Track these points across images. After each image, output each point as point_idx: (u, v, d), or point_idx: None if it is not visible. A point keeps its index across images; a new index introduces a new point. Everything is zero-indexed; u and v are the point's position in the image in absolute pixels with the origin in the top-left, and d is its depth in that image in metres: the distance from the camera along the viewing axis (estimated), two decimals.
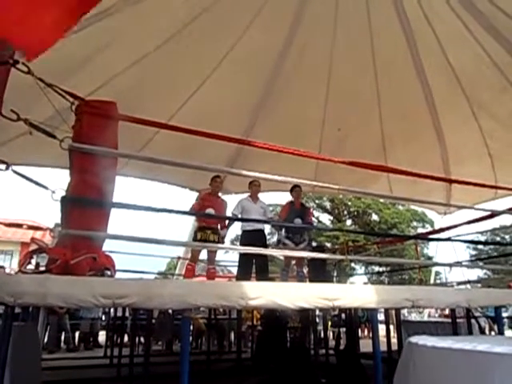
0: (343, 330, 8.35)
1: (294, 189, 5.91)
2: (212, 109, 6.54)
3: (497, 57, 5.52)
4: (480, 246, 24.89)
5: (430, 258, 21.61)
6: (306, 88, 6.73)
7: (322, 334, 7.93)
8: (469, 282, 8.05)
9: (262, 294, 2.61)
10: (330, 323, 10.41)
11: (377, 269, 22.76)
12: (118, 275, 3.94)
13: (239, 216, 5.63)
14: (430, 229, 22.30)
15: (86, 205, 2.80)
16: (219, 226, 5.43)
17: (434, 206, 9.68)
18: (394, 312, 6.12)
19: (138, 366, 5.07)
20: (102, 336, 9.75)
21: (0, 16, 1.97)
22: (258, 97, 6.95)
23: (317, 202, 26.47)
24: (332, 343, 8.20)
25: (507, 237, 25.59)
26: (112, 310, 8.08)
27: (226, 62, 6.04)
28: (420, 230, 24.76)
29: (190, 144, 4.96)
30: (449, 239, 6.39)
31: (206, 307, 2.82)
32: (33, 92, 2.83)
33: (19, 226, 4.36)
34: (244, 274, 5.38)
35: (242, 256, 5.51)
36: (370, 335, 4.16)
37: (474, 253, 25.34)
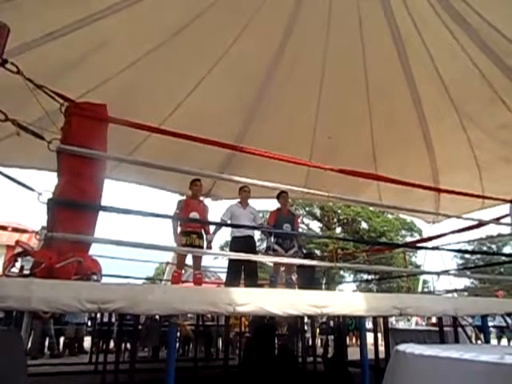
0: (331, 337, 8.34)
1: (281, 195, 5.91)
2: (204, 114, 6.54)
3: (485, 69, 5.62)
4: (467, 256, 25.20)
5: (418, 267, 21.77)
6: (298, 96, 6.77)
7: (310, 342, 7.91)
8: (456, 290, 8.11)
9: (251, 300, 2.59)
10: (318, 331, 10.40)
11: (365, 276, 22.86)
12: (105, 280, 3.89)
13: (228, 222, 5.61)
14: (418, 237, 22.49)
15: (73, 208, 2.76)
16: (203, 231, 5.40)
17: (423, 215, 9.77)
18: (381, 320, 6.13)
19: (123, 373, 4.99)
20: (87, 342, 9.60)
21: None
22: (250, 103, 6.97)
23: (307, 209, 26.56)
24: (320, 351, 8.18)
25: (494, 246, 25.93)
26: (98, 315, 7.97)
27: (219, 67, 6.05)
28: (408, 239, 24.98)
29: (181, 149, 4.95)
30: (437, 248, 6.45)
31: (194, 313, 2.79)
32: (22, 93, 2.80)
33: (4, 228, 4.29)
34: (233, 280, 5.35)
35: (231, 262, 5.49)
36: (358, 343, 4.16)
37: (461, 262, 25.64)
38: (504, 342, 11.51)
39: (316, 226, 27.08)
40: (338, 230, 26.55)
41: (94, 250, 3.13)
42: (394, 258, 20.60)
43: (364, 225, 25.99)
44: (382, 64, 6.21)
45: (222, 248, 21.93)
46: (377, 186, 8.19)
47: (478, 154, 7.17)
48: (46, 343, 8.92)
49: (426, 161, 7.74)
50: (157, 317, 7.88)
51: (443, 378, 2.09)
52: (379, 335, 6.25)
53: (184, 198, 5.66)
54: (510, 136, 6.41)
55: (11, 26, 2.51)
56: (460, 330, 5.89)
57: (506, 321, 6.27)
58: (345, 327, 8.05)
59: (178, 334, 7.90)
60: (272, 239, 5.73)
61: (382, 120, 7.15)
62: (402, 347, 2.56)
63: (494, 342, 9.88)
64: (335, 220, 26.66)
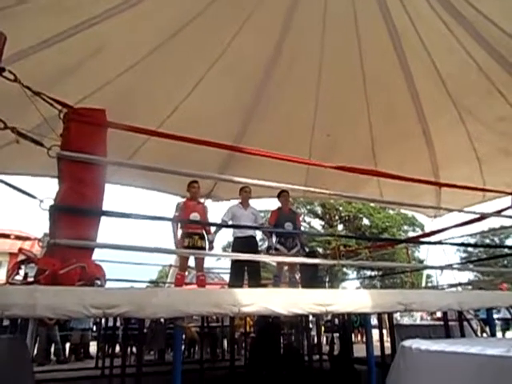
0: (337, 335, 8.34)
1: (282, 194, 5.90)
2: (202, 115, 6.54)
3: (482, 61, 5.62)
4: (470, 249, 25.18)
5: (421, 262, 21.75)
6: (296, 94, 6.77)
7: (316, 340, 7.90)
8: (460, 284, 8.10)
9: (255, 300, 2.59)
10: (323, 329, 10.41)
11: (369, 273, 22.86)
12: (109, 284, 3.89)
13: (229, 223, 5.61)
14: (420, 232, 22.47)
15: (74, 213, 2.76)
16: (204, 231, 5.39)
17: (424, 210, 9.77)
18: (386, 316, 6.13)
19: (130, 377, 5.00)
20: (93, 347, 9.61)
21: None
22: (248, 103, 6.97)
23: (308, 207, 26.55)
24: (326, 349, 8.18)
25: (496, 239, 25.91)
26: (103, 320, 7.97)
27: (216, 68, 6.05)
28: (410, 234, 24.96)
29: (180, 151, 4.94)
30: (439, 242, 6.44)
31: (199, 315, 2.79)
32: (20, 100, 2.80)
33: (7, 236, 4.30)
34: (236, 280, 5.35)
35: (234, 263, 5.48)
36: (364, 340, 4.16)
37: (464, 255, 25.62)
38: (510, 334, 11.51)
39: (318, 223, 27.10)
40: (340, 227, 26.53)
41: (97, 254, 3.13)
42: (397, 253, 20.59)
43: (366, 221, 25.98)
44: (378, 59, 6.20)
45: (224, 249, 21.95)
46: (377, 181, 8.19)
47: (477, 146, 7.16)
48: (52, 349, 8.94)
49: (425, 155, 7.74)
50: (162, 320, 7.88)
51: (450, 372, 2.09)
52: (384, 331, 6.25)
53: (183, 200, 5.65)
54: (509, 128, 6.40)
55: (7, 34, 2.51)
56: (465, 323, 5.88)
57: (511, 313, 6.26)
58: (350, 324, 8.05)
59: (184, 336, 7.90)
60: (274, 239, 5.73)
61: (381, 116, 7.15)
62: (407, 343, 2.57)
63: (499, 334, 9.88)
64: (337, 217, 26.66)
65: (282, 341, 7.51)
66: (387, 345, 5.61)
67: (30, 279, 2.59)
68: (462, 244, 16.72)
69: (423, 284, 11.78)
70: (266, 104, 6.94)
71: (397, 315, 14.41)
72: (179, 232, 5.23)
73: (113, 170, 5.77)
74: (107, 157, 3.10)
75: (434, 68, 6.06)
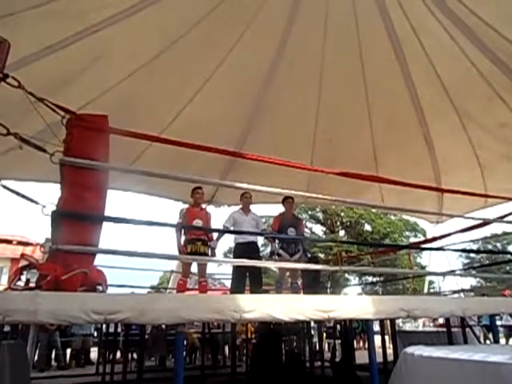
0: (338, 341, 8.29)
1: (286, 200, 5.91)
2: (204, 121, 6.56)
3: (483, 68, 5.63)
4: (472, 255, 25.08)
5: (423, 268, 21.67)
6: (297, 100, 6.79)
7: (318, 346, 7.86)
8: (462, 290, 8.07)
9: (257, 306, 2.58)
10: (325, 335, 10.35)
11: (370, 279, 22.77)
12: (110, 290, 3.89)
13: (231, 229, 5.61)
14: (422, 238, 22.40)
15: (76, 219, 2.77)
16: (207, 238, 5.39)
17: (426, 216, 9.75)
18: (388, 322, 6.10)
19: (130, 383, 4.97)
20: (93, 353, 9.58)
21: None
22: (249, 109, 6.98)
23: (309, 213, 26.52)
24: (327, 355, 8.14)
25: (498, 245, 25.81)
26: (104, 325, 7.95)
27: (217, 75, 6.08)
28: (412, 240, 24.89)
29: (182, 157, 4.95)
30: (441, 248, 6.42)
31: (200, 321, 2.79)
32: (23, 106, 2.81)
33: (8, 241, 4.30)
34: (238, 286, 5.34)
35: (236, 269, 5.47)
36: (366, 346, 4.14)
37: (466, 261, 25.52)
38: None
39: (319, 229, 27.06)
40: (342, 232, 26.48)
41: (99, 260, 3.13)
42: (399, 259, 20.50)
43: (367, 227, 25.93)
44: (380, 66, 6.22)
45: (225, 254, 21.91)
46: (379, 187, 8.18)
47: (479, 152, 7.16)
48: (53, 355, 8.91)
49: (427, 161, 7.73)
50: (163, 326, 7.85)
51: (452, 379, 2.07)
52: (387, 338, 6.22)
53: (186, 206, 5.66)
54: (511, 134, 6.40)
55: (11, 41, 2.53)
56: (468, 330, 5.85)
57: None
58: (352, 331, 8.01)
59: (185, 342, 7.87)
60: (276, 244, 5.72)
61: (382, 122, 7.16)
62: (410, 349, 2.56)
63: (502, 341, 9.82)
64: (338, 223, 26.61)
65: (283, 347, 7.48)
66: (389, 351, 5.58)
67: (32, 285, 2.59)
68: (465, 250, 16.66)
69: (425, 290, 11.74)
70: (267, 110, 6.96)
71: (399, 321, 14.33)
72: (182, 238, 5.25)
73: (115, 175, 5.79)
74: (109, 162, 3.11)
75: (435, 74, 6.08)
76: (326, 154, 7.52)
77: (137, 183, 7.40)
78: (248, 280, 5.51)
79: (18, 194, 2.90)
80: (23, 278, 2.68)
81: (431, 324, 13.76)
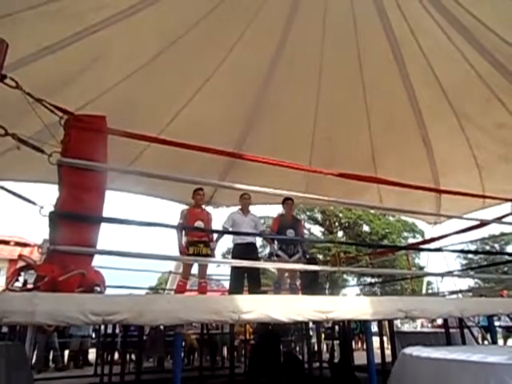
0: (337, 342, 8.30)
1: (286, 201, 5.91)
2: (203, 122, 6.56)
3: (481, 69, 5.65)
4: (470, 256, 25.13)
5: (421, 268, 21.69)
6: (296, 101, 6.80)
7: (316, 347, 7.86)
8: (460, 291, 8.08)
9: (255, 307, 2.58)
10: (323, 336, 10.35)
11: (369, 280, 22.79)
12: (108, 291, 3.88)
13: (230, 229, 5.61)
14: (420, 239, 22.43)
15: (74, 220, 2.76)
16: (208, 239, 5.39)
17: (424, 216, 9.77)
18: (387, 323, 6.10)
19: None
20: (92, 354, 9.55)
21: None
22: (248, 110, 6.99)
23: (308, 213, 26.53)
24: (326, 356, 8.13)
25: (497, 246, 25.87)
26: (102, 326, 7.93)
27: (216, 75, 6.09)
28: (411, 240, 24.90)
29: (181, 157, 4.95)
30: (439, 249, 6.43)
31: (198, 322, 2.78)
32: (21, 107, 2.81)
33: (6, 242, 4.28)
34: (236, 287, 5.34)
35: (234, 269, 5.47)
36: (364, 347, 4.14)
37: (464, 262, 25.56)
38: (511, 341, 11.44)
39: (318, 230, 27.06)
40: (340, 233, 26.49)
41: (97, 261, 3.13)
42: (397, 260, 20.53)
43: (366, 228, 25.94)
44: (378, 67, 6.24)
45: (224, 255, 21.90)
46: (377, 188, 8.20)
47: (477, 153, 7.18)
48: (51, 356, 8.88)
49: (425, 162, 7.75)
50: (161, 327, 7.84)
51: (451, 379, 2.08)
52: (385, 339, 6.22)
53: (187, 207, 5.66)
54: (509, 135, 6.42)
55: (9, 41, 2.53)
56: (466, 331, 5.85)
57: None
58: (350, 332, 8.01)
59: (183, 343, 7.86)
60: (276, 245, 5.72)
61: (381, 123, 7.17)
62: (408, 350, 2.56)
63: (500, 342, 9.83)
64: (337, 224, 26.62)
65: (281, 348, 7.47)
66: (388, 352, 5.58)
67: (30, 286, 2.59)
68: (462, 251, 16.70)
69: (424, 291, 11.75)
70: (266, 110, 6.97)
71: (397, 322, 14.34)
72: (183, 239, 5.24)
73: (113, 176, 5.78)
74: (108, 163, 3.10)
75: (433, 75, 6.09)
76: (324, 155, 7.53)
77: (135, 184, 7.39)
78: (246, 281, 5.51)
79: (15, 194, 2.89)
80: (21, 279, 2.67)
81: (429, 325, 13.78)
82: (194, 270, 5.68)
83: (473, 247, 22.06)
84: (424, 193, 6.35)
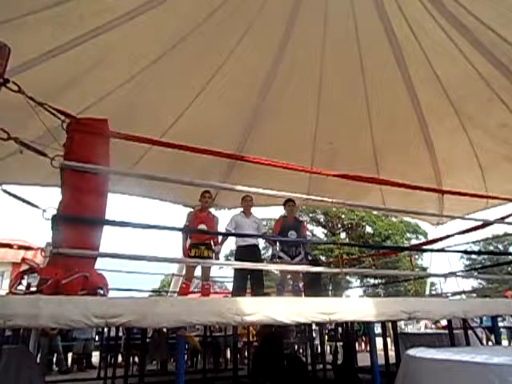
0: (340, 344, 8.27)
1: (287, 203, 5.90)
2: (205, 124, 6.58)
3: (482, 69, 5.64)
4: (474, 256, 25.04)
5: (424, 269, 21.63)
6: (297, 103, 6.80)
7: (319, 349, 7.84)
8: (464, 292, 8.05)
9: (258, 309, 2.58)
10: (326, 337, 10.32)
11: (372, 281, 22.74)
12: (111, 294, 3.88)
13: (233, 232, 5.61)
14: (423, 240, 22.38)
15: (77, 223, 2.77)
16: (212, 242, 5.40)
17: (427, 217, 9.75)
18: (390, 325, 6.08)
19: None
20: (95, 357, 9.55)
21: None
22: (250, 112, 7.00)
23: (310, 215, 26.49)
24: (329, 358, 8.11)
25: (500, 246, 25.77)
26: (106, 329, 7.94)
27: (218, 77, 6.10)
28: (414, 241, 24.85)
29: (182, 160, 4.98)
30: (442, 250, 6.41)
31: (201, 324, 2.78)
32: (23, 111, 2.82)
33: (9, 246, 4.29)
34: (239, 289, 5.33)
35: (237, 271, 5.47)
36: (368, 349, 4.13)
37: (468, 263, 25.47)
38: None
39: (320, 231, 27.03)
40: (343, 235, 26.45)
41: (100, 263, 3.13)
42: (401, 261, 20.49)
43: (368, 229, 25.89)
44: (379, 68, 6.24)
45: (227, 257, 21.91)
46: (380, 189, 8.18)
47: (479, 153, 7.16)
48: (54, 359, 8.88)
49: (427, 162, 7.74)
50: (164, 329, 7.83)
51: (455, 381, 2.07)
52: (388, 340, 6.19)
53: (193, 210, 5.68)
54: (511, 135, 6.40)
55: (11, 46, 2.54)
56: (470, 332, 5.82)
57: None
58: (353, 333, 7.98)
59: (186, 345, 7.85)
60: (277, 247, 5.72)
61: (383, 124, 7.17)
62: (412, 352, 2.55)
63: (504, 342, 9.78)
64: (339, 225, 26.59)
65: (285, 350, 7.46)
66: (391, 353, 5.56)
67: (33, 289, 2.59)
68: (466, 251, 16.63)
69: (427, 292, 11.72)
70: (267, 113, 6.98)
71: (401, 324, 14.29)
72: (188, 241, 5.27)
73: (116, 179, 5.80)
74: (110, 166, 3.11)
75: (434, 76, 6.09)
76: (326, 156, 7.53)
77: (137, 187, 7.41)
78: (249, 283, 5.50)
79: (18, 198, 2.89)
80: (24, 282, 2.68)
81: (433, 326, 13.73)
82: (198, 272, 5.68)
83: (476, 248, 21.98)
84: (427, 193, 6.34)
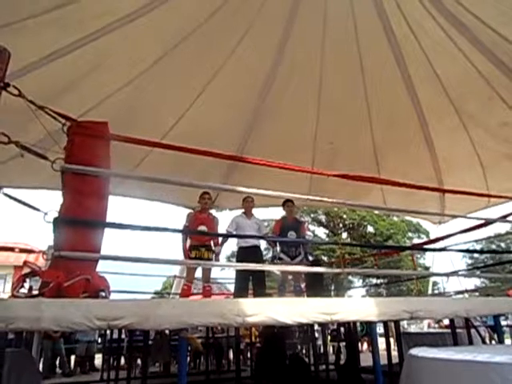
0: (343, 344, 8.25)
1: (286, 203, 5.91)
2: (205, 126, 6.58)
3: (482, 67, 5.64)
4: (476, 255, 24.98)
5: (426, 269, 21.58)
6: (298, 103, 6.80)
7: (322, 349, 7.82)
8: (466, 291, 8.03)
9: (260, 310, 2.58)
10: (329, 338, 10.31)
11: (374, 281, 22.71)
12: (113, 296, 3.89)
13: (234, 233, 5.61)
14: (425, 239, 22.34)
15: (78, 226, 2.77)
16: (212, 243, 5.40)
17: (429, 216, 9.74)
18: (393, 324, 6.07)
19: None
20: (98, 359, 9.56)
21: None
22: (250, 113, 7.01)
23: (312, 215, 26.49)
24: (332, 358, 8.09)
25: (502, 244, 25.71)
26: (108, 332, 7.94)
27: (218, 79, 6.11)
28: (415, 241, 24.83)
29: (183, 162, 4.97)
30: (444, 249, 6.40)
31: (203, 326, 2.78)
32: (24, 114, 2.83)
33: (11, 249, 4.30)
34: (241, 290, 5.33)
35: (239, 272, 5.47)
36: (370, 349, 4.13)
37: (470, 261, 25.41)
38: None
39: (322, 232, 27.01)
40: (344, 235, 26.43)
41: (101, 266, 3.14)
42: (403, 260, 20.46)
43: (370, 228, 25.88)
44: (379, 67, 6.24)
45: (228, 259, 21.90)
46: (381, 189, 8.18)
47: (480, 152, 7.15)
48: (57, 362, 8.90)
49: (428, 161, 7.73)
50: (166, 331, 7.83)
51: (458, 380, 2.06)
52: (391, 340, 6.18)
53: (193, 211, 5.68)
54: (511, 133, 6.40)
55: (12, 50, 2.55)
56: (473, 331, 5.81)
57: None
58: (356, 333, 7.97)
59: (189, 347, 7.85)
60: (278, 248, 5.72)
61: (383, 123, 7.17)
62: (415, 351, 2.54)
63: (508, 341, 9.75)
64: (341, 225, 26.57)
65: (287, 351, 7.45)
66: (394, 353, 5.55)
67: (35, 292, 2.60)
68: (468, 250, 16.60)
69: (429, 291, 11.70)
70: (268, 113, 6.98)
71: (404, 323, 14.26)
72: (188, 242, 5.26)
73: (117, 181, 5.81)
74: (111, 169, 3.12)
75: (434, 75, 6.08)
76: (327, 156, 7.53)
77: (138, 189, 7.42)
78: (251, 283, 5.50)
79: (19, 201, 2.91)
80: (26, 285, 2.69)
81: (436, 325, 13.70)
82: (199, 273, 5.68)
83: (478, 246, 21.92)
84: (428, 192, 6.33)
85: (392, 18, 5.50)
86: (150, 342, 7.98)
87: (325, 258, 21.05)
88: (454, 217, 7.80)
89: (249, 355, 8.73)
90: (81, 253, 2.65)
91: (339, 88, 6.57)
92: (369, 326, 3.48)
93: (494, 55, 5.39)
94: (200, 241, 5.29)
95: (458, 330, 5.52)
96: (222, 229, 5.81)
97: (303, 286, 6.28)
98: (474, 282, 22.38)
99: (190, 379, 2.55)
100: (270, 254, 6.37)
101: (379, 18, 5.53)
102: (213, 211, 8.27)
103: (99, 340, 10.04)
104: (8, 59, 2.47)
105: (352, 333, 7.12)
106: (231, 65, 5.97)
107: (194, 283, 6.39)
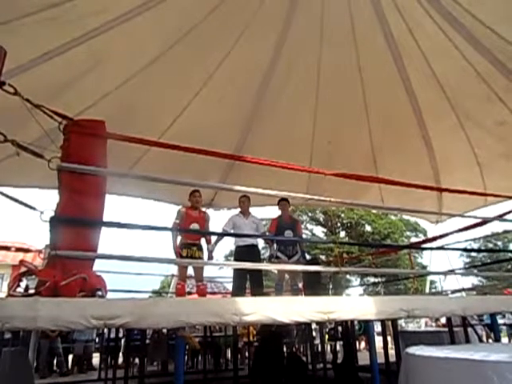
0: (340, 343, 8.27)
1: (280, 202, 5.93)
2: (202, 125, 6.56)
3: (480, 67, 5.63)
4: (473, 254, 25.06)
5: (424, 267, 21.66)
6: (295, 102, 6.79)
7: (319, 348, 7.84)
8: (463, 289, 8.05)
9: (256, 309, 2.58)
10: (326, 337, 10.33)
11: (372, 280, 22.76)
12: (111, 295, 3.88)
13: (230, 232, 5.60)
14: (423, 238, 22.38)
15: (75, 225, 2.77)
16: (205, 241, 5.37)
17: (426, 215, 9.75)
18: (390, 323, 6.09)
19: None
20: (96, 358, 9.56)
21: None
22: (247, 112, 6.99)
23: (310, 214, 26.52)
24: (329, 357, 8.11)
25: (499, 243, 25.79)
26: (106, 331, 7.94)
27: (215, 78, 6.09)
28: (413, 240, 24.87)
29: (181, 161, 4.96)
30: (442, 248, 6.41)
31: (200, 325, 2.78)
32: (20, 113, 2.82)
33: (7, 248, 4.29)
34: (239, 289, 5.34)
35: (237, 272, 5.47)
36: (368, 347, 4.14)
37: (467, 260, 25.48)
38: None
39: (320, 230, 27.04)
40: (342, 233, 26.47)
41: (98, 265, 3.13)
42: (400, 259, 20.50)
43: (368, 227, 25.92)
44: (376, 67, 6.23)
45: (226, 257, 21.91)
46: (378, 188, 8.18)
47: (477, 151, 7.16)
48: (55, 361, 8.89)
49: (426, 160, 7.73)
50: (164, 330, 7.83)
51: (454, 378, 2.07)
52: (389, 338, 6.20)
53: (184, 207, 5.62)
54: (509, 133, 6.41)
55: (8, 48, 2.54)
56: (470, 329, 5.83)
57: None
58: (353, 332, 7.99)
59: (186, 346, 7.85)
60: (275, 247, 5.72)
61: (380, 122, 7.17)
62: (412, 350, 2.55)
63: (504, 340, 9.80)
64: (339, 224, 26.60)
65: (285, 349, 7.46)
66: (392, 352, 5.57)
67: (32, 291, 2.59)
68: (465, 249, 16.62)
69: (427, 290, 11.73)
70: (265, 112, 6.97)
71: (401, 322, 14.30)
72: (178, 238, 5.21)
73: (113, 180, 5.78)
74: (108, 168, 3.11)
75: (432, 74, 6.08)
76: (325, 156, 7.51)
77: (135, 188, 7.40)
78: (249, 282, 5.50)
79: (16, 200, 2.90)
80: (22, 284, 2.68)
81: (433, 324, 13.74)
82: (191, 271, 5.66)
83: (476, 245, 21.98)
84: (425, 191, 6.34)
85: (390, 17, 5.49)
86: (148, 341, 7.98)
87: (323, 257, 21.06)
88: (452, 216, 7.81)
89: (247, 354, 8.74)
90: (77, 252, 2.65)
91: (337, 87, 6.56)
92: (366, 325, 3.49)
93: (491, 55, 5.39)
94: (193, 238, 5.26)
95: (455, 329, 5.54)
96: (217, 226, 5.80)
97: (300, 285, 6.30)
98: (471, 281, 22.47)
99: (187, 378, 2.55)
100: (268, 253, 6.38)
101: (377, 18, 5.53)
102: (210, 210, 8.29)
103: (97, 339, 10.04)
104: (4, 58, 2.46)
105: (349, 331, 7.14)
106: (229, 64, 5.96)
107: (193, 282, 6.38)
